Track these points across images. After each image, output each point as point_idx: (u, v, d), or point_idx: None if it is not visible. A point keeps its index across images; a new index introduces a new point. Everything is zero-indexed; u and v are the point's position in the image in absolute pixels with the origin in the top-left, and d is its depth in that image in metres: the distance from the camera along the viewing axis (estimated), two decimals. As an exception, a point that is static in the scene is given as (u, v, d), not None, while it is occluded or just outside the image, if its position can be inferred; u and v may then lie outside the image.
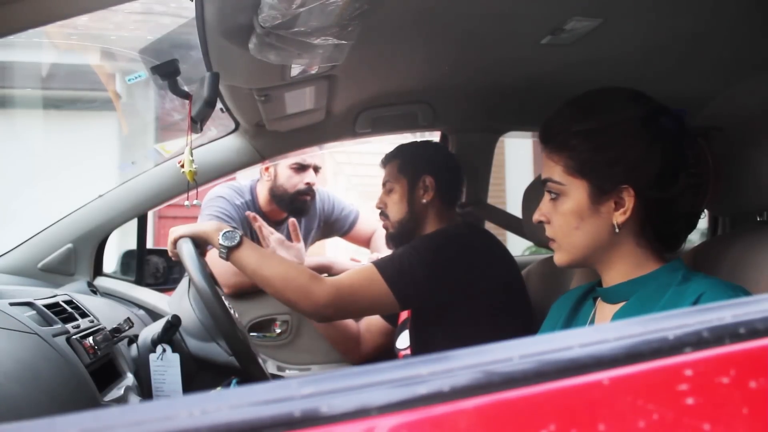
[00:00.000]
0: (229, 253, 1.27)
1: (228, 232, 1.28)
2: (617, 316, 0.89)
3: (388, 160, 1.60)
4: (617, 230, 0.87)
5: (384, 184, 1.59)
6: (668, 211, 0.87)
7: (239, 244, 1.27)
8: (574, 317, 1.00)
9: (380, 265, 1.33)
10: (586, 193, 0.88)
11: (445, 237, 1.41)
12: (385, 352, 1.72)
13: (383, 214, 1.58)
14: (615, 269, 0.91)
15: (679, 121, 0.88)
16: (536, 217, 0.95)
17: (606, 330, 0.42)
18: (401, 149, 1.61)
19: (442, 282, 1.34)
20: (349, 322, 1.75)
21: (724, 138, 0.96)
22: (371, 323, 1.74)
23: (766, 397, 0.40)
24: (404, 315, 1.60)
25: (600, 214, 0.88)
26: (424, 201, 1.52)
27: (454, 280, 1.35)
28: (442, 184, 1.54)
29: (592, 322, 0.95)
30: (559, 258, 0.94)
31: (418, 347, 1.46)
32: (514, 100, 1.67)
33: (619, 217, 0.87)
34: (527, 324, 1.39)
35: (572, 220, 0.90)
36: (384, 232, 1.61)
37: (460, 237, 1.42)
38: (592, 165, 0.87)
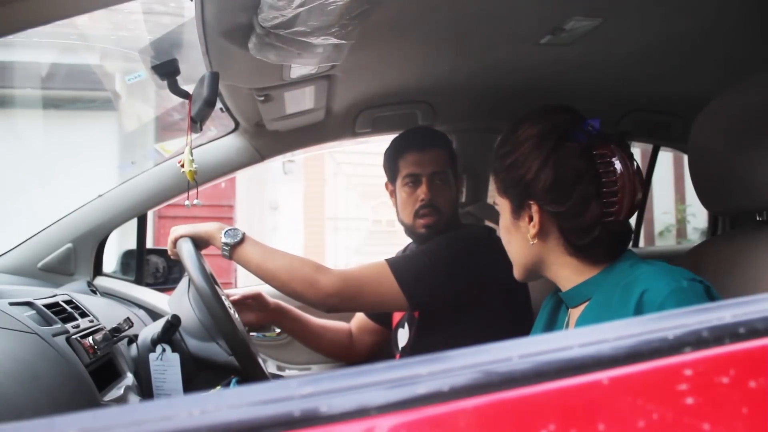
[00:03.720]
0: (231, 250, 1.27)
1: (230, 230, 1.29)
2: (580, 318, 0.90)
3: (436, 145, 1.48)
4: (531, 243, 0.92)
5: (436, 174, 1.45)
6: (575, 221, 0.88)
7: (242, 241, 1.27)
8: (553, 324, 1.02)
9: (393, 264, 1.31)
10: (508, 210, 0.95)
11: (464, 240, 1.39)
12: (379, 351, 1.70)
13: (433, 207, 1.44)
14: (560, 278, 0.94)
15: (586, 132, 0.88)
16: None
17: (606, 330, 0.42)
18: (444, 138, 1.52)
19: (457, 286, 1.32)
20: (339, 328, 1.69)
21: (720, 138, 0.96)
22: (361, 323, 1.71)
23: (766, 397, 0.40)
24: (398, 316, 1.59)
25: (520, 229, 0.94)
26: (463, 200, 1.50)
27: (468, 285, 1.33)
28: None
29: (567, 328, 0.96)
30: (514, 272, 1.00)
31: (423, 348, 1.45)
32: (514, 100, 1.67)
33: (530, 231, 0.91)
34: (530, 327, 1.39)
35: (505, 236, 0.98)
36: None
37: (477, 241, 1.40)
38: (505, 184, 0.94)
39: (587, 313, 0.89)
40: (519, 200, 0.92)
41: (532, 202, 0.90)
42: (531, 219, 0.91)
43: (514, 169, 0.91)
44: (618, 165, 0.86)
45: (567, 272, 0.92)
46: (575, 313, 0.93)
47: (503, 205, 0.96)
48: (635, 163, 0.88)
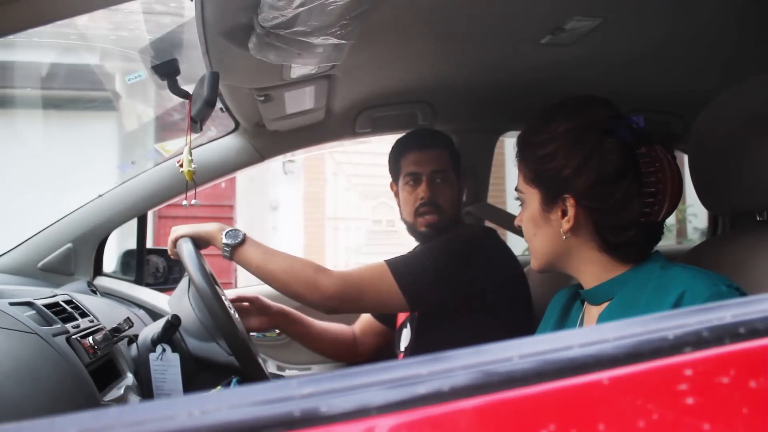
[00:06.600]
0: (232, 251, 1.27)
1: (231, 230, 1.28)
2: (602, 316, 0.89)
3: (437, 145, 1.51)
4: (564, 237, 0.89)
5: (437, 173, 1.48)
6: (613, 219, 0.87)
7: (242, 242, 1.27)
8: (565, 320, 1.01)
9: (393, 264, 1.31)
10: (538, 201, 0.92)
11: (463, 241, 1.39)
12: (382, 352, 1.70)
13: (433, 205, 1.47)
14: (585, 274, 0.92)
15: (630, 129, 0.87)
16: (516, 222, 1.00)
17: (606, 330, 0.42)
18: (445, 138, 1.55)
19: (456, 287, 1.32)
20: (342, 330, 1.69)
21: (721, 138, 0.96)
22: (365, 325, 1.71)
23: (766, 397, 0.40)
24: (402, 316, 1.59)
25: (551, 222, 0.91)
26: (464, 200, 1.52)
27: (468, 286, 1.33)
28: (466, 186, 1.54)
29: (581, 324, 0.95)
30: (532, 263, 0.97)
31: (423, 348, 1.45)
32: (514, 100, 1.67)
33: (564, 225, 0.89)
34: (532, 327, 1.39)
35: (530, 227, 0.95)
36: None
37: (476, 242, 1.40)
38: (539, 174, 0.91)
39: (611, 311, 0.88)
40: (553, 193, 0.89)
41: (568, 196, 0.88)
42: (564, 213, 0.89)
43: (549, 161, 0.89)
44: (662, 166, 0.86)
45: (593, 269, 0.90)
46: (594, 310, 0.92)
47: (531, 195, 0.93)
48: (677, 166, 0.88)
